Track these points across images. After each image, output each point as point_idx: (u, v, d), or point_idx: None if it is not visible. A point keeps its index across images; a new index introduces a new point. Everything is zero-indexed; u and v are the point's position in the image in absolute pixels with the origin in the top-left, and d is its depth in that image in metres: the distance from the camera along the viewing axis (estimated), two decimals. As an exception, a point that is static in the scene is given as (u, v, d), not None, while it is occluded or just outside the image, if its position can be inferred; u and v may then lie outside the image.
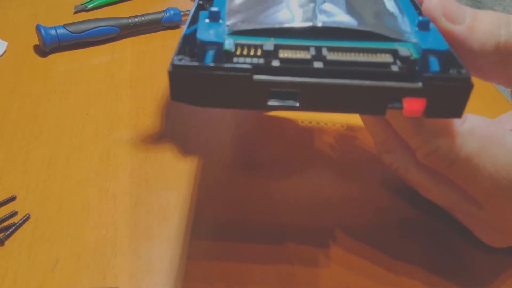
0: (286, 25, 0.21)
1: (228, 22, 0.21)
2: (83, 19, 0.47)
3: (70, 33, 0.45)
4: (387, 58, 0.20)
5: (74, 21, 0.46)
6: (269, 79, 0.19)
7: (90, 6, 0.52)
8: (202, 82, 0.19)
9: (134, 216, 0.31)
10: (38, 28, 0.44)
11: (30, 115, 0.38)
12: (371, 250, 0.29)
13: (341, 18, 0.22)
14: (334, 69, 0.20)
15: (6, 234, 0.29)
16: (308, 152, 0.36)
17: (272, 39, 0.20)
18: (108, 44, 0.47)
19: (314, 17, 0.22)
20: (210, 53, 0.20)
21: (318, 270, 0.28)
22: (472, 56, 0.24)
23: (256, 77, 0.19)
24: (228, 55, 0.20)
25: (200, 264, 0.28)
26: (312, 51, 0.20)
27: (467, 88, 0.19)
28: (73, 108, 0.39)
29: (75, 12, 0.52)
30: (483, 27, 0.23)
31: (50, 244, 0.29)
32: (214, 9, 0.21)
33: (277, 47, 0.20)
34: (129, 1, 0.54)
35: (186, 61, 0.19)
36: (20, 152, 0.35)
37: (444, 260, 0.29)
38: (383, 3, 0.24)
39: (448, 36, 0.23)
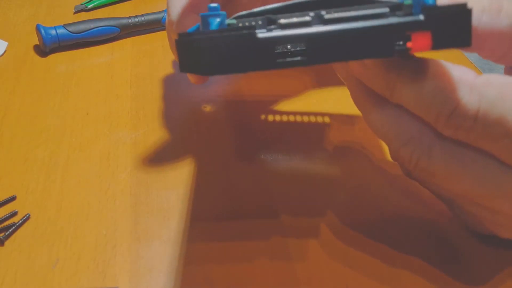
0: (282, 4, 0.22)
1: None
2: (83, 19, 0.47)
3: (70, 33, 0.45)
4: (384, 9, 0.21)
5: (74, 21, 0.46)
6: (273, 35, 0.20)
7: (90, 6, 0.52)
8: (208, 47, 0.20)
9: (134, 216, 0.31)
10: (38, 28, 0.44)
11: (30, 115, 0.38)
12: (371, 245, 0.29)
13: None
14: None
15: (6, 234, 0.29)
16: (309, 147, 0.36)
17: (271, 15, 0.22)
18: (108, 44, 0.47)
19: None
20: (214, 21, 0.20)
21: (318, 269, 0.28)
22: None
23: (261, 34, 0.20)
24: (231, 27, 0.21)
25: (200, 264, 0.28)
26: (311, 14, 0.21)
27: (467, 12, 0.20)
28: (73, 108, 0.39)
29: (75, 12, 0.52)
30: None
31: (50, 244, 0.29)
32: (213, 5, 0.22)
33: (277, 17, 0.21)
34: (129, 1, 0.54)
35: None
36: (20, 152, 0.35)
37: (445, 257, 0.28)
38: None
39: None
